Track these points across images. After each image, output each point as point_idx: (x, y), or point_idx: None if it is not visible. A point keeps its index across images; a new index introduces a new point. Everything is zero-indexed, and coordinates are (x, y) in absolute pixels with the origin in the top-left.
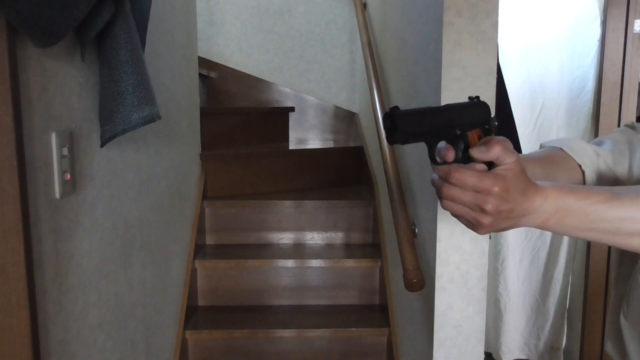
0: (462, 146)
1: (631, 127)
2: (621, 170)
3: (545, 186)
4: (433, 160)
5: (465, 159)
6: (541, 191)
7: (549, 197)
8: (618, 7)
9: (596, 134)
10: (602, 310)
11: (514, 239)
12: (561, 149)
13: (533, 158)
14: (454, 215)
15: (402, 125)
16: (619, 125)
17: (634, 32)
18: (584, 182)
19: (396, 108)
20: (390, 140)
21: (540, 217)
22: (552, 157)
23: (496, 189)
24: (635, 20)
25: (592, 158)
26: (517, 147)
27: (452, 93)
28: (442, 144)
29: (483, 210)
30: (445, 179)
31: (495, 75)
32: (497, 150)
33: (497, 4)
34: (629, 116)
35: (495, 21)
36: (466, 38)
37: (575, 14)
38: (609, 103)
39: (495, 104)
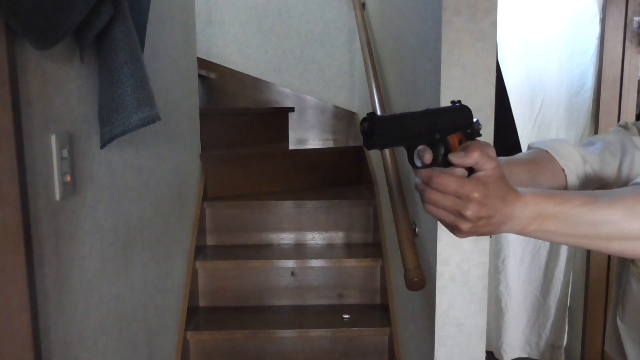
0: (442, 150)
1: (624, 127)
2: (609, 172)
3: (525, 192)
4: (412, 165)
5: (445, 163)
6: (521, 198)
7: (529, 203)
8: (617, 5)
9: (596, 132)
10: (603, 308)
11: (515, 238)
12: (547, 151)
13: (519, 161)
14: (436, 218)
15: (379, 130)
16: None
17: (633, 29)
18: (566, 187)
19: (373, 114)
20: (368, 145)
21: (520, 223)
22: (538, 159)
23: (476, 194)
24: (635, 18)
25: (577, 162)
26: (517, 146)
27: (452, 92)
28: (421, 147)
29: (462, 216)
30: (427, 183)
31: (494, 74)
32: (475, 155)
33: (496, 2)
34: (629, 114)
35: (494, 19)
36: (465, 37)
37: (574, 12)
38: (608, 101)
39: (494, 102)
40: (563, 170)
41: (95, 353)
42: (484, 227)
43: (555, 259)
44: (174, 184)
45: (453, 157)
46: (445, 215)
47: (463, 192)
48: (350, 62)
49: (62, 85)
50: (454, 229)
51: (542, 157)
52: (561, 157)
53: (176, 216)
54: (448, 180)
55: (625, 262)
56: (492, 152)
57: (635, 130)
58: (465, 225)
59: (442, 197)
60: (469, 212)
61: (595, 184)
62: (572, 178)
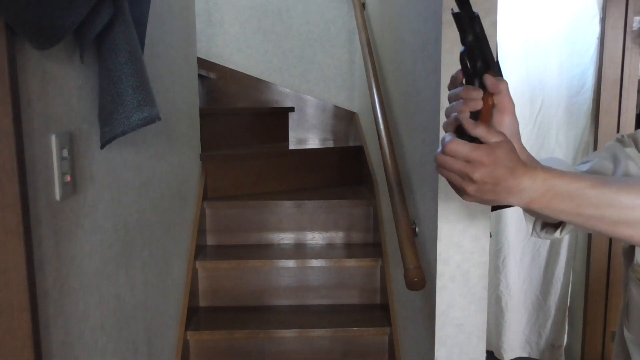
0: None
1: (620, 140)
2: None
3: (535, 167)
4: (465, 69)
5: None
6: (530, 172)
7: (538, 178)
8: (617, 5)
9: (596, 132)
10: (603, 308)
11: (515, 238)
12: None
13: None
14: (446, 179)
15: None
16: (618, 123)
17: (633, 29)
18: None
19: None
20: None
21: (527, 196)
22: None
23: (485, 160)
24: (635, 18)
25: None
26: None
27: None
28: (456, 73)
29: (470, 179)
30: (443, 148)
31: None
32: (479, 131)
33: (496, 2)
34: (629, 114)
35: (494, 19)
36: None
37: (574, 12)
38: (608, 101)
39: None
40: None
41: (95, 353)
42: (489, 193)
43: (555, 259)
44: (174, 184)
45: (465, 123)
46: (453, 177)
47: (473, 156)
48: (350, 62)
49: (62, 85)
50: (460, 192)
51: None
52: None
53: (176, 216)
54: (460, 146)
55: (626, 268)
56: (505, 124)
57: (631, 142)
58: (470, 188)
59: (453, 161)
60: (476, 175)
61: None
62: None
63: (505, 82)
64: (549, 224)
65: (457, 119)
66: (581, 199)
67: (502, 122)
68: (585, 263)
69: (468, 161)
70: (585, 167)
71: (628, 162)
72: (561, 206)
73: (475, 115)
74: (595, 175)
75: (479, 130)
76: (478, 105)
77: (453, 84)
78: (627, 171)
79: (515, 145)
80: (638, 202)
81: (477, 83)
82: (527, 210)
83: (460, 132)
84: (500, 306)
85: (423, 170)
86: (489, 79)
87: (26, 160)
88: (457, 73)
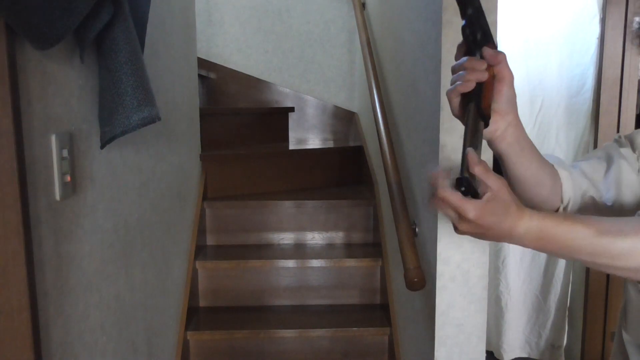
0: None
1: (618, 141)
2: (597, 178)
3: (531, 213)
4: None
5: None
6: (524, 218)
7: (532, 225)
8: (617, 5)
9: (596, 132)
10: (603, 308)
11: None
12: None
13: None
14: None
15: None
16: (618, 123)
17: (633, 29)
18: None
19: None
20: None
21: (520, 241)
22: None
23: (470, 215)
24: (635, 18)
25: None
26: None
27: None
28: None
29: (458, 224)
30: (435, 192)
31: None
32: (478, 170)
33: (496, 2)
34: (629, 114)
35: (494, 19)
36: None
37: (574, 12)
38: (608, 101)
39: None
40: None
41: (95, 353)
42: (481, 237)
43: (555, 259)
44: (174, 184)
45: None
46: (448, 212)
47: (460, 210)
48: (350, 62)
49: (62, 85)
50: (454, 228)
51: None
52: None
53: (176, 216)
54: (450, 196)
55: None
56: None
57: (627, 142)
58: (463, 226)
59: (445, 206)
60: (463, 227)
61: (586, 188)
62: (567, 184)
63: (503, 53)
64: None
65: (459, 87)
66: (575, 247)
67: (501, 91)
68: None
69: (456, 212)
70: (577, 168)
71: (621, 162)
72: (555, 251)
73: (479, 89)
74: (587, 219)
75: (477, 170)
76: (483, 76)
77: (459, 52)
78: (620, 171)
79: (512, 116)
80: (633, 249)
81: (478, 55)
82: None
83: (466, 110)
84: (500, 306)
85: (423, 170)
86: (488, 51)
87: (26, 160)
88: (462, 42)
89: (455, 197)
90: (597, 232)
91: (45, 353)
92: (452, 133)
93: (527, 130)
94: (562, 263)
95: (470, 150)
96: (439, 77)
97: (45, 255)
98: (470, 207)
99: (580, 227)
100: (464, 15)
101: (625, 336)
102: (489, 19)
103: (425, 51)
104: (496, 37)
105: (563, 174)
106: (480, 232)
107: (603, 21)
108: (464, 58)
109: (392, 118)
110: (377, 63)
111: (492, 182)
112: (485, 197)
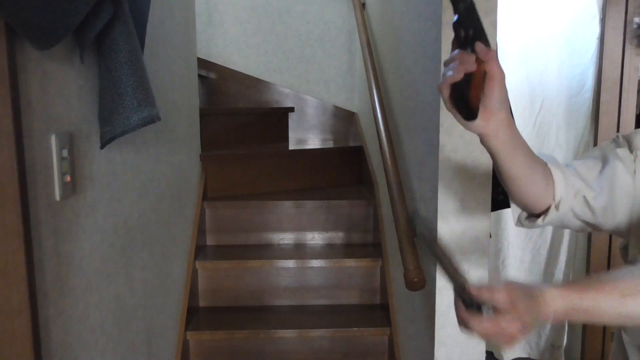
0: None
1: (615, 141)
2: (591, 177)
3: (551, 296)
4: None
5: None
6: (546, 302)
7: (558, 309)
8: (617, 5)
9: (596, 132)
10: None
11: (515, 238)
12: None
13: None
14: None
15: None
16: (618, 124)
17: (633, 30)
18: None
19: None
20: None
21: (550, 321)
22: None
23: (501, 297)
24: (635, 18)
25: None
26: None
27: None
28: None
29: (499, 327)
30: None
31: None
32: (486, 295)
33: (496, 2)
34: (629, 114)
35: (494, 20)
36: None
37: (574, 12)
38: (608, 101)
39: None
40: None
41: (95, 353)
42: (524, 330)
43: (555, 259)
44: (174, 184)
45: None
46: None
47: (500, 328)
48: (350, 62)
49: (62, 86)
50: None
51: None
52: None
53: (176, 216)
54: (484, 322)
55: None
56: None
57: (624, 142)
58: (506, 328)
59: (478, 325)
60: (505, 324)
61: (579, 187)
62: (559, 178)
63: (494, 51)
64: (533, 214)
65: (451, 79)
66: (604, 317)
67: (492, 89)
68: (585, 263)
69: (498, 332)
70: (572, 167)
71: (616, 163)
72: (584, 319)
73: (468, 81)
74: (611, 277)
75: (485, 295)
76: (472, 67)
77: (453, 47)
78: (614, 172)
79: (504, 114)
80: None
81: (469, 50)
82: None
83: (457, 99)
84: None
85: (423, 170)
86: (479, 45)
87: (26, 160)
88: (454, 38)
89: (489, 322)
90: (620, 295)
91: (45, 353)
92: (452, 133)
93: (527, 130)
94: (562, 263)
95: (465, 282)
96: (439, 77)
97: (45, 255)
98: (500, 296)
99: (602, 297)
100: (456, 10)
101: (624, 337)
102: (489, 19)
103: (425, 51)
104: (496, 37)
105: (556, 173)
106: (517, 317)
107: (603, 21)
108: (456, 51)
109: (392, 118)
110: (377, 63)
111: (499, 296)
112: (503, 291)
